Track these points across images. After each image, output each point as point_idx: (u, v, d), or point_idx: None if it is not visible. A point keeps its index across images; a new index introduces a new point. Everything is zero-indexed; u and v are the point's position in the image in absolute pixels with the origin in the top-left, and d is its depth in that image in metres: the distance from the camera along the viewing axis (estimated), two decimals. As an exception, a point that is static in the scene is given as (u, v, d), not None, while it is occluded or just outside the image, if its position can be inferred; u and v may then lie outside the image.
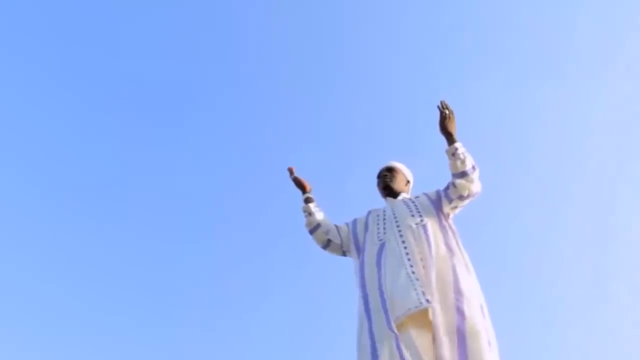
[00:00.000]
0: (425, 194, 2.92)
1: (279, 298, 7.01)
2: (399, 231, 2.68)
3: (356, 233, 2.94)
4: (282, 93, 8.03)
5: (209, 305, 7.16)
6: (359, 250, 2.83)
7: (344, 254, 3.03)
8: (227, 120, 8.26)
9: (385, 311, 2.39)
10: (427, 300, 2.34)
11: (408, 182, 3.15)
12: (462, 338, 2.30)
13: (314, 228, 3.08)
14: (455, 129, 2.74)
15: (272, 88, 8.10)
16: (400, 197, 2.99)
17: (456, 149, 2.69)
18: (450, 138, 2.72)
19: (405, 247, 2.59)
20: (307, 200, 3.15)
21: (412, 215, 2.73)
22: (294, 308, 6.91)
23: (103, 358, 6.45)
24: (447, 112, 2.75)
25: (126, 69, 8.01)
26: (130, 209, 7.79)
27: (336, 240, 3.02)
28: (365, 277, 2.62)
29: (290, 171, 3.28)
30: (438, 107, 2.77)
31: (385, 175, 3.08)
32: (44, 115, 7.69)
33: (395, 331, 2.30)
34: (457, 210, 2.83)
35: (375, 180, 3.17)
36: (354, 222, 3.04)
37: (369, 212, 3.00)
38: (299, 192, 3.23)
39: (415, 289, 2.38)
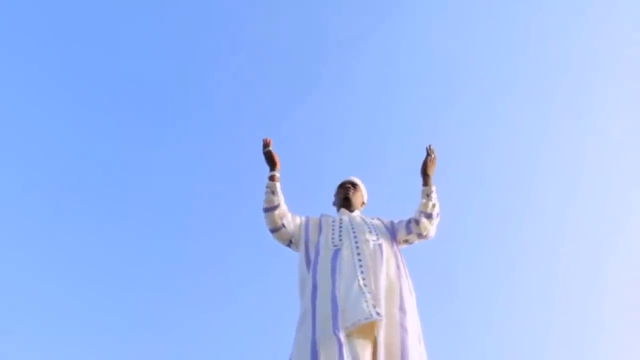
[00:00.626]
0: (379, 219, 3.06)
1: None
2: (356, 243, 2.75)
3: (308, 230, 2.95)
4: (277, 93, 8.03)
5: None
6: (308, 247, 2.85)
7: (289, 244, 2.99)
8: (225, 121, 8.27)
9: (335, 317, 2.41)
10: (378, 314, 2.38)
11: (363, 203, 3.26)
12: (401, 357, 2.36)
13: (272, 207, 2.97)
14: (432, 174, 3.02)
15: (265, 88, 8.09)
16: (355, 213, 3.10)
17: (432, 191, 2.96)
18: (427, 180, 2.99)
19: (360, 260, 2.65)
20: (273, 178, 3.02)
21: (370, 232, 2.84)
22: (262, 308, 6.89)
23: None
24: (432, 155, 3.04)
25: (123, 69, 8.01)
26: (125, 209, 7.78)
27: (289, 228, 2.96)
28: (318, 279, 2.63)
29: (266, 143, 3.10)
30: (426, 148, 3.06)
31: (349, 188, 3.19)
32: (39, 115, 7.71)
33: (342, 339, 2.32)
34: (405, 245, 2.99)
35: (333, 186, 3.28)
36: (308, 219, 3.05)
37: (322, 215, 3.07)
38: (267, 167, 3.07)
39: (366, 301, 2.42)
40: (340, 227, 2.89)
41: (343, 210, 3.12)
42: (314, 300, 2.54)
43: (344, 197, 3.16)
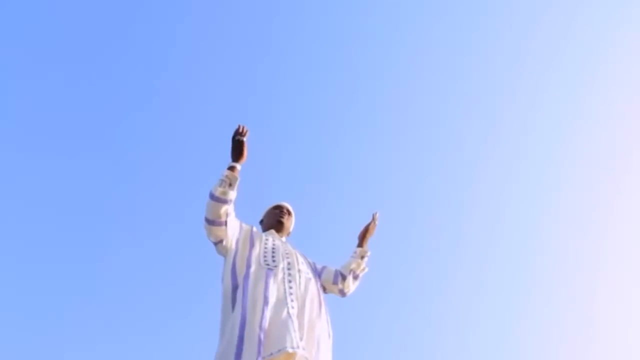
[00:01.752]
0: (303, 255, 2.97)
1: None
2: (289, 269, 2.68)
3: (240, 240, 2.77)
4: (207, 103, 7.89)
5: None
6: (236, 258, 2.66)
7: (219, 242, 2.72)
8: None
9: (260, 342, 2.31)
10: (300, 347, 2.32)
11: (289, 233, 3.21)
12: None
13: (224, 200, 2.64)
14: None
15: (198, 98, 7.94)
16: (284, 240, 3.04)
17: (367, 255, 3.10)
18: (364, 243, 3.14)
19: (291, 288, 2.59)
20: (235, 170, 2.68)
21: (302, 263, 2.81)
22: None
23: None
24: (376, 223, 3.20)
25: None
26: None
27: (228, 229, 2.70)
28: (248, 298, 2.47)
29: (243, 131, 2.73)
30: (373, 215, 3.21)
31: (285, 212, 3.14)
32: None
33: None
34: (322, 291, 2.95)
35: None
36: (241, 227, 2.85)
37: (254, 228, 2.91)
38: (230, 157, 2.72)
39: (293, 331, 2.35)
40: (273, 248, 2.77)
41: (272, 232, 3.01)
42: (243, 322, 2.39)
43: (279, 219, 3.07)
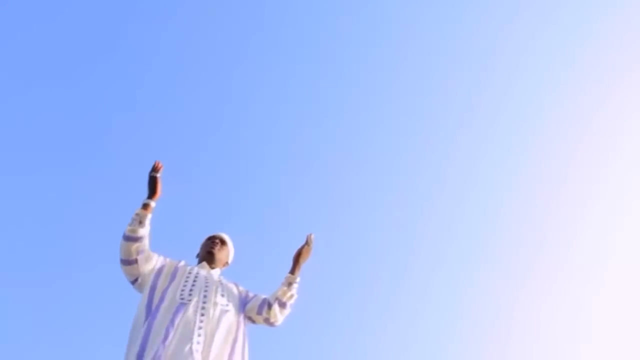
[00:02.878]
0: (236, 285, 2.96)
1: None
2: (204, 302, 2.64)
3: (160, 275, 2.76)
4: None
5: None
6: (154, 293, 2.66)
7: (134, 281, 2.76)
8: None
9: None
10: None
11: (227, 263, 3.14)
12: None
13: (133, 238, 2.68)
14: (304, 263, 2.96)
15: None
16: (215, 271, 2.97)
17: (296, 281, 2.89)
18: (296, 269, 2.92)
19: (202, 322, 2.54)
20: (147, 207, 2.73)
21: (222, 296, 2.74)
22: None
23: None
24: (310, 246, 2.98)
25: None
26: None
27: (141, 266, 2.73)
28: (152, 331, 2.46)
29: (157, 167, 2.79)
30: (307, 237, 2.99)
31: (216, 243, 3.06)
32: None
33: None
34: (249, 322, 2.88)
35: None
36: (165, 263, 2.85)
37: (182, 263, 2.91)
38: (146, 193, 2.77)
39: None
40: (195, 281, 2.74)
41: (204, 264, 2.97)
42: (139, 357, 2.38)
43: (209, 250, 3.02)
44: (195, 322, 2.52)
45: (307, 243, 2.98)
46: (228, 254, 3.12)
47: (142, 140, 7.42)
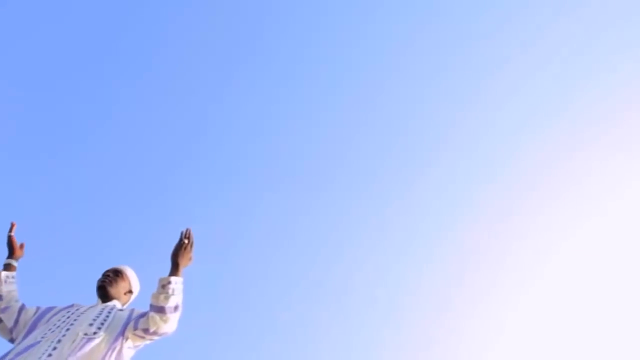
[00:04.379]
0: (132, 310, 2.68)
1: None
2: (63, 335, 2.39)
3: (38, 322, 2.58)
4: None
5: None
6: (18, 343, 2.48)
7: (12, 340, 2.62)
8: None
9: None
10: None
11: (130, 292, 2.90)
12: None
13: None
14: (187, 264, 2.63)
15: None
16: (111, 303, 2.74)
17: (169, 282, 2.53)
18: (175, 269, 2.59)
19: (50, 355, 2.28)
20: (6, 267, 2.76)
21: (91, 325, 2.47)
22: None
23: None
24: (186, 241, 2.65)
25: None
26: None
27: (8, 322, 2.63)
28: None
29: (12, 226, 2.87)
30: (181, 232, 2.68)
31: (108, 276, 2.84)
32: None
33: None
34: (139, 342, 2.57)
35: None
36: (49, 309, 2.68)
37: (71, 305, 2.71)
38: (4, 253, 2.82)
39: None
40: (68, 317, 2.53)
41: (98, 300, 2.76)
42: None
43: (99, 285, 2.79)
44: (43, 355, 2.28)
45: (181, 239, 2.66)
46: (129, 284, 2.89)
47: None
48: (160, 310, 2.51)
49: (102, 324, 2.49)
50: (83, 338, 2.37)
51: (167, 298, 2.51)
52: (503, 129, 7.96)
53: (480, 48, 7.87)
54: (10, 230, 2.86)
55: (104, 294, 2.75)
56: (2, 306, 2.66)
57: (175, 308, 2.53)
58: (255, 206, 7.82)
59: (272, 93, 7.96)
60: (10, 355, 2.33)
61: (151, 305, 2.53)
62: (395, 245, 7.97)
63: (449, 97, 7.92)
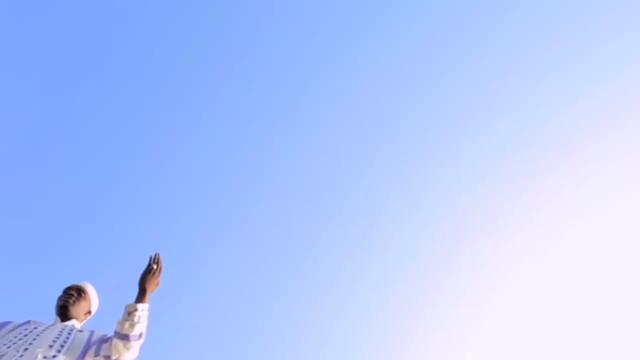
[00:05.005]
0: (93, 332, 2.64)
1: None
2: (21, 356, 2.35)
3: None
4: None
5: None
6: None
7: None
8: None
9: None
10: None
11: (89, 312, 2.84)
12: None
13: None
14: (154, 289, 2.62)
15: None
16: (70, 323, 2.68)
17: (135, 309, 2.50)
18: (142, 295, 2.57)
19: None
20: None
21: (50, 347, 2.44)
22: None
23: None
24: (154, 266, 2.63)
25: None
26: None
27: None
28: None
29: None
30: (150, 257, 2.66)
31: (72, 295, 2.77)
32: None
33: None
34: None
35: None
36: (4, 324, 2.60)
37: (27, 321, 2.64)
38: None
39: None
40: (25, 336, 2.48)
41: (57, 318, 2.70)
42: None
43: (61, 305, 2.72)
44: None
45: (149, 263, 2.63)
46: (89, 303, 2.84)
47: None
48: (125, 337, 2.49)
49: (62, 346, 2.46)
50: (41, 359, 2.35)
51: (132, 326, 2.49)
52: (490, 133, 8.11)
53: (480, 48, 7.83)
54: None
55: (64, 313, 2.70)
56: None
57: (140, 336, 2.53)
58: (244, 206, 8.15)
59: (260, 94, 8.17)
60: None
61: (115, 332, 2.52)
62: (379, 246, 8.21)
63: (443, 100, 7.91)
